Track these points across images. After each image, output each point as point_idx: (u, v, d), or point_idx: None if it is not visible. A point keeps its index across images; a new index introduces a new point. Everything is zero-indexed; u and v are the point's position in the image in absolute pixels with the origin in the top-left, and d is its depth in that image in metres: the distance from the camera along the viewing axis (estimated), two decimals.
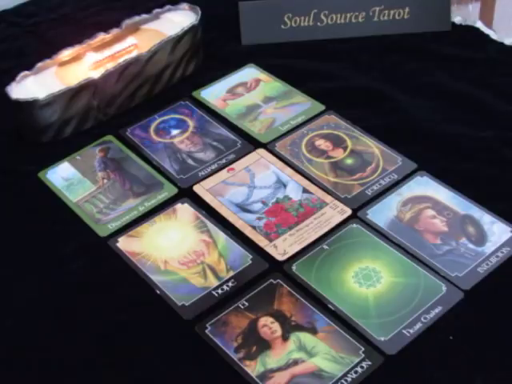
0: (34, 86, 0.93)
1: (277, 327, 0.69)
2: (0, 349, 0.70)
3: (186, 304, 0.72)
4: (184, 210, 0.82)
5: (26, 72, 0.94)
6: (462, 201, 0.80)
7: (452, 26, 1.07)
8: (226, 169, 0.87)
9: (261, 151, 0.89)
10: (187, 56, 1.01)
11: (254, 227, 0.80)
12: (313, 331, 0.68)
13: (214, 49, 1.06)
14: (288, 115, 0.94)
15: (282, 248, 0.77)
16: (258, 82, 1.00)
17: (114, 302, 0.73)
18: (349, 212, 0.80)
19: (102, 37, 0.99)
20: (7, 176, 0.89)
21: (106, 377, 0.67)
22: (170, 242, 0.79)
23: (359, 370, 0.65)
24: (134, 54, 0.97)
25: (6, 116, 0.94)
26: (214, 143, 0.91)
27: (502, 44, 1.04)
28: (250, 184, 0.85)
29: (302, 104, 0.96)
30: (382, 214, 0.80)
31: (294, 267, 0.75)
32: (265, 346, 0.68)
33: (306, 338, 0.68)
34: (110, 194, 0.85)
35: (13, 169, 0.90)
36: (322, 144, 0.89)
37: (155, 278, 0.75)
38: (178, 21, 1.02)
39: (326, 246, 0.76)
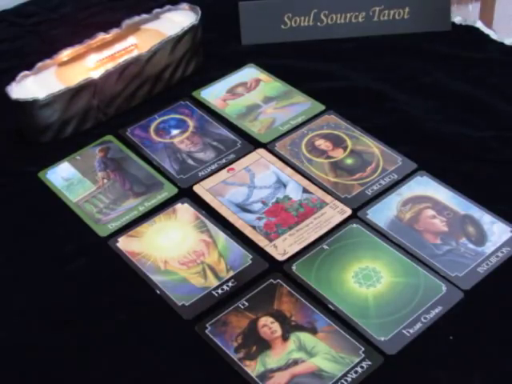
0: (34, 85, 0.93)
1: (277, 327, 0.69)
2: (0, 348, 0.70)
3: (186, 304, 0.72)
4: (184, 209, 0.82)
5: (26, 72, 0.94)
6: (461, 201, 0.80)
7: (452, 26, 1.07)
8: (226, 169, 0.87)
9: (261, 151, 0.89)
10: (187, 56, 1.01)
11: (254, 227, 0.80)
12: (313, 331, 0.68)
13: (213, 49, 1.06)
14: (288, 115, 0.94)
15: (282, 248, 0.77)
16: (258, 81, 1.00)
17: (114, 301, 0.73)
18: (349, 212, 0.80)
19: (101, 37, 0.99)
20: (7, 176, 0.89)
21: (107, 377, 0.67)
22: (170, 241, 0.79)
23: (359, 369, 0.65)
24: (134, 54, 0.97)
25: (6, 116, 0.94)
26: (214, 143, 0.91)
27: (502, 44, 1.04)
28: (250, 184, 0.85)
29: (302, 104, 0.96)
30: (382, 213, 0.80)
31: (294, 267, 0.75)
32: (265, 345, 0.68)
33: (306, 338, 0.68)
34: (110, 193, 0.85)
35: (13, 169, 0.90)
36: (321, 144, 0.89)
37: (155, 278, 0.75)
38: (178, 21, 1.02)
39: (326, 246, 0.76)
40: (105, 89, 0.93)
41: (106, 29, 1.00)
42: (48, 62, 0.96)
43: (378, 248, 0.76)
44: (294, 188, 0.84)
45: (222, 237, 0.79)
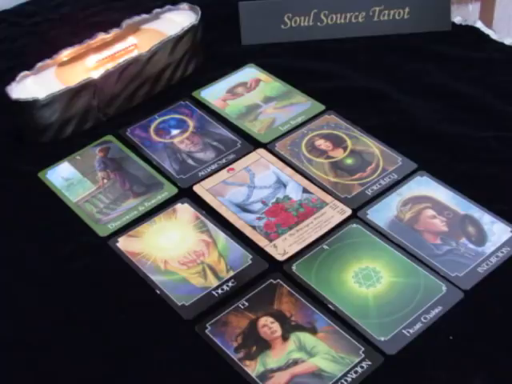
0: (34, 86, 0.93)
1: (277, 327, 0.69)
2: (0, 349, 0.70)
3: (186, 304, 0.72)
4: (184, 210, 0.82)
5: (26, 72, 0.94)
6: (461, 201, 0.80)
7: (452, 26, 1.07)
8: (226, 169, 0.87)
9: (261, 151, 0.89)
10: (187, 56, 1.01)
11: (253, 227, 0.80)
12: (313, 331, 0.68)
13: (214, 49, 1.06)
14: (288, 115, 0.94)
15: (282, 248, 0.77)
16: (257, 82, 1.00)
17: (114, 301, 0.73)
18: (349, 212, 0.80)
19: (102, 37, 0.99)
20: (7, 176, 0.89)
21: (106, 377, 0.67)
22: (170, 241, 0.79)
23: (359, 369, 0.65)
24: (134, 54, 0.97)
25: (5, 116, 0.94)
26: (214, 143, 0.91)
27: (502, 44, 1.04)
28: (249, 184, 0.85)
29: (302, 104, 0.96)
30: (382, 213, 0.80)
31: (293, 267, 0.75)
32: (265, 345, 0.68)
33: (305, 338, 0.68)
34: (110, 194, 0.85)
35: (13, 169, 0.90)
36: (322, 144, 0.89)
37: (155, 278, 0.75)
38: (178, 21, 1.02)
39: (326, 246, 0.76)
40: (105, 89, 0.93)
41: (106, 29, 1.00)
42: (48, 61, 0.96)
43: (378, 248, 0.76)
44: (294, 188, 0.84)
45: (222, 237, 0.79)
